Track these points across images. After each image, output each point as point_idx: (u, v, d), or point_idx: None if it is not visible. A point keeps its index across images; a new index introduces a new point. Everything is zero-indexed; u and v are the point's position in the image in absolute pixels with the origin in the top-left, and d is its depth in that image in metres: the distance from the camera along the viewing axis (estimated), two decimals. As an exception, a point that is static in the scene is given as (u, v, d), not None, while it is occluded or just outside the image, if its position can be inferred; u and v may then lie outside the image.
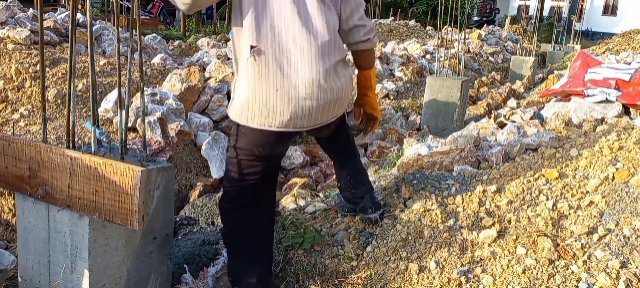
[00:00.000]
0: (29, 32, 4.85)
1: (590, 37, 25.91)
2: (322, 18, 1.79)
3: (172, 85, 4.33)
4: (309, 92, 1.77)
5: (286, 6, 1.75)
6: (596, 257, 1.75)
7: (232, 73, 4.55)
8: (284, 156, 4.28)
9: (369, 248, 2.11)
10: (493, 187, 2.26)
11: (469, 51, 10.79)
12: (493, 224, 2.02)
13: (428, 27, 15.19)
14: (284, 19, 1.75)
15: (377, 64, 7.65)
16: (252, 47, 1.73)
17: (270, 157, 1.93)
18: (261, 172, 1.92)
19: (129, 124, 3.53)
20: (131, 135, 3.60)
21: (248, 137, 1.85)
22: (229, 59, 5.91)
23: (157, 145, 3.50)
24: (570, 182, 2.17)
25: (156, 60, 5.67)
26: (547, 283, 1.70)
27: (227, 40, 10.58)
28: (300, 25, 1.76)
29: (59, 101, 3.99)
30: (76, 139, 1.88)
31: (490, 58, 11.28)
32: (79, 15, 6.07)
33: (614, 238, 1.83)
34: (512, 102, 5.99)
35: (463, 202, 2.22)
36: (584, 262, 1.74)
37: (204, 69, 5.39)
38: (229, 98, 4.54)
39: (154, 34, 7.67)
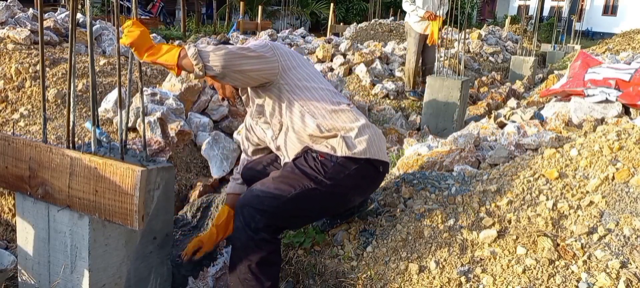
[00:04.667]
0: (29, 32, 4.85)
1: (590, 37, 25.90)
2: None
3: (172, 85, 4.33)
4: None
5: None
6: (596, 257, 1.75)
7: None
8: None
9: (369, 248, 2.11)
10: (493, 187, 2.26)
11: (469, 51, 10.78)
12: (493, 224, 2.02)
13: (428, 27, 15.15)
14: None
15: (377, 64, 7.65)
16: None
17: None
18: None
19: (129, 124, 3.52)
20: (131, 135, 3.59)
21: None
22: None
23: (157, 145, 3.50)
24: (570, 182, 2.17)
25: (156, 60, 5.64)
26: (547, 283, 1.70)
27: (227, 40, 10.55)
28: None
29: (59, 101, 3.99)
30: (76, 139, 1.88)
31: (490, 58, 11.26)
32: (79, 15, 6.07)
33: (614, 238, 1.83)
34: (512, 102, 5.97)
35: (463, 202, 2.22)
36: (584, 262, 1.74)
37: (204, 69, 5.36)
38: (229, 98, 4.54)
39: (154, 34, 7.65)
